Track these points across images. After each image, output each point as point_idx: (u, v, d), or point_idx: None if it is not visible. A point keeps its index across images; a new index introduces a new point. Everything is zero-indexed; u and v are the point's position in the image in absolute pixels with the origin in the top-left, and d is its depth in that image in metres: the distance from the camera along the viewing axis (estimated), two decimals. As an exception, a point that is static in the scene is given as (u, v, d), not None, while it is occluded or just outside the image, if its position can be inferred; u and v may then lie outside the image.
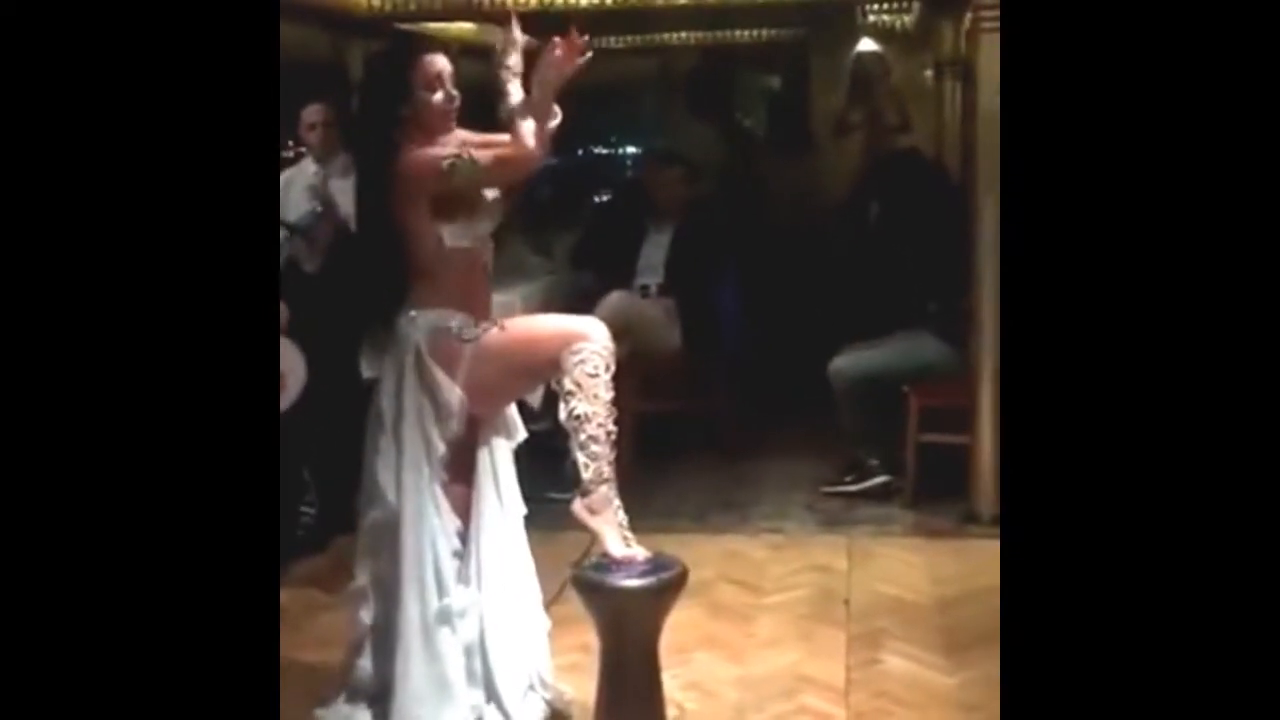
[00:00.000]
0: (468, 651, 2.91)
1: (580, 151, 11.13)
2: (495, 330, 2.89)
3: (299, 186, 4.77)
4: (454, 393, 2.84)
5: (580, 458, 2.80)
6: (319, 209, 4.61)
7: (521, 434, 3.11)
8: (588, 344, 2.80)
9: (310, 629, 3.67)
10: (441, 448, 2.87)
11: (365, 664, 2.96)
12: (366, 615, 2.95)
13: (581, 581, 2.77)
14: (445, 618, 2.87)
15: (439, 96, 2.85)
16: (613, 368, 2.83)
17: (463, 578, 2.92)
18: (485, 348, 2.86)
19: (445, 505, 2.90)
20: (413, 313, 2.86)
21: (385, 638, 2.92)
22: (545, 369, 2.88)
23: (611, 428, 2.82)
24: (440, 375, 2.83)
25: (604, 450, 2.80)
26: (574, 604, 2.93)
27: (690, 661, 3.38)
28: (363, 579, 2.96)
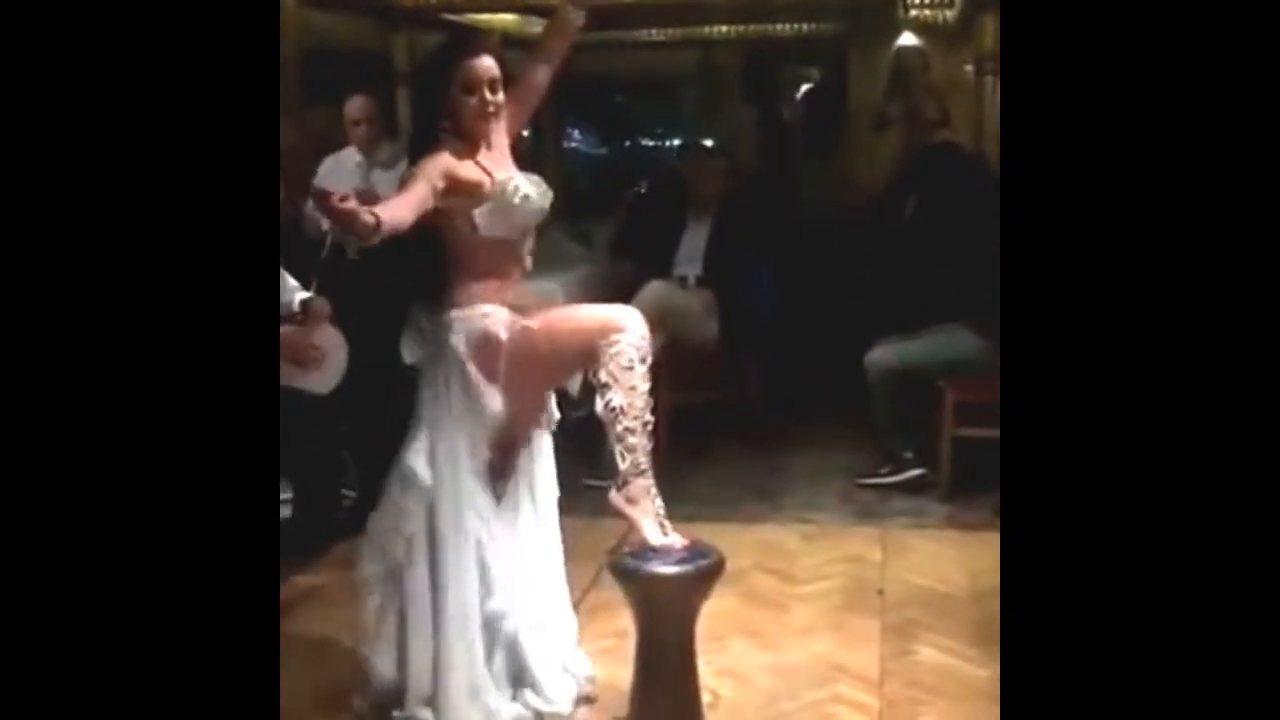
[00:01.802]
0: (506, 645, 2.97)
1: (622, 143, 11.19)
2: (531, 324, 2.92)
3: (342, 174, 4.82)
4: (495, 398, 2.88)
5: (617, 448, 2.82)
6: (361, 198, 4.66)
7: (554, 415, 3.14)
8: (623, 335, 2.82)
9: (348, 610, 3.71)
10: (485, 451, 2.92)
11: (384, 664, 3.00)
12: (374, 600, 2.99)
13: (619, 568, 2.79)
14: (492, 618, 2.94)
15: (474, 100, 2.88)
16: (649, 358, 2.85)
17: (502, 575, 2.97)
18: (522, 343, 2.89)
19: (486, 504, 2.94)
20: (451, 314, 2.90)
21: (413, 632, 2.95)
22: (582, 360, 2.91)
23: (649, 418, 2.84)
24: (479, 379, 2.87)
25: (641, 441, 2.82)
26: (611, 590, 2.97)
27: (725, 649, 3.41)
28: (374, 569, 3.00)
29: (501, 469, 3.00)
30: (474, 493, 2.91)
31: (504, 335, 2.88)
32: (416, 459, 2.92)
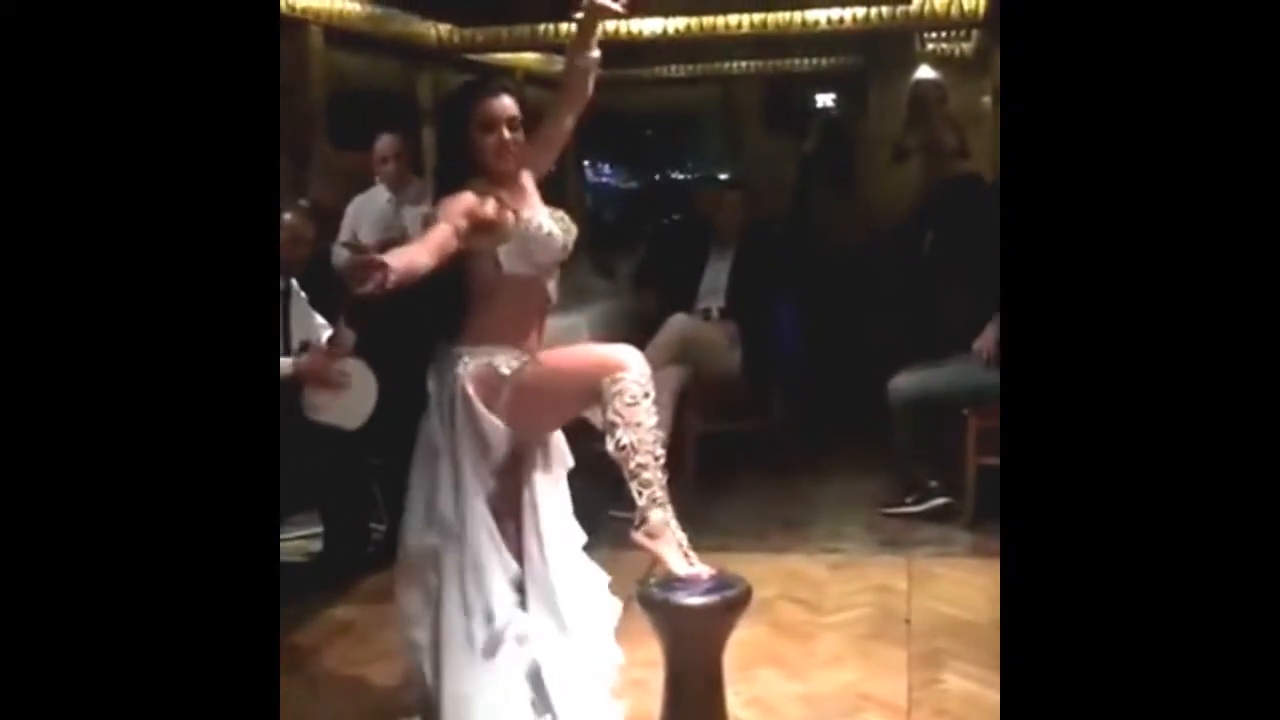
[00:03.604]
0: (531, 679, 2.94)
1: (652, 176, 11.29)
2: (533, 364, 2.94)
3: (371, 211, 4.90)
4: (497, 428, 2.89)
5: (632, 485, 2.82)
6: (391, 235, 4.74)
7: (569, 462, 3.16)
8: (625, 374, 2.84)
9: (379, 644, 3.75)
10: (491, 481, 2.93)
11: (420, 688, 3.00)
12: (421, 635, 2.97)
13: (646, 599, 2.81)
14: (498, 642, 2.90)
15: (492, 139, 2.91)
16: (652, 394, 2.86)
17: (521, 605, 2.97)
18: (524, 381, 2.91)
19: (498, 535, 2.94)
20: (460, 350, 2.93)
21: (436, 659, 2.94)
22: (584, 398, 2.93)
23: (660, 452, 2.84)
24: (482, 409, 2.89)
25: (655, 476, 2.83)
26: (639, 620, 2.99)
27: (753, 678, 3.42)
28: (412, 603, 3.00)
29: (508, 505, 3.00)
30: (482, 521, 2.92)
31: (507, 371, 2.91)
32: (440, 499, 2.94)
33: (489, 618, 2.90)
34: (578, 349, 3.16)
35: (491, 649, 2.89)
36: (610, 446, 2.84)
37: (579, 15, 3.01)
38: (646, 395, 2.84)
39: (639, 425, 2.81)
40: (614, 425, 2.82)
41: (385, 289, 2.55)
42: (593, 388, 2.87)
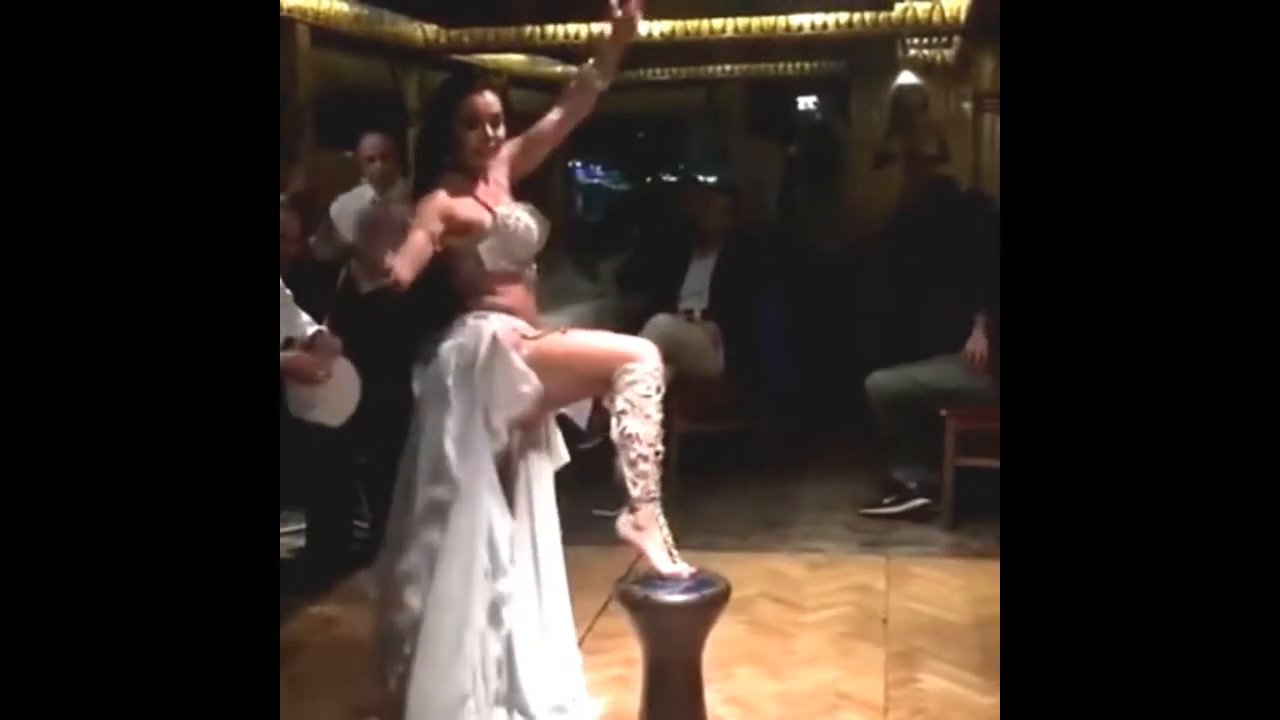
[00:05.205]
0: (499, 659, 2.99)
1: (628, 178, 11.31)
2: (558, 334, 3.01)
3: (356, 210, 4.90)
4: (527, 376, 2.91)
5: (629, 475, 2.87)
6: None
7: (564, 457, 3.20)
8: (641, 365, 2.89)
9: (362, 643, 3.76)
10: (505, 435, 2.95)
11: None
12: (415, 599, 2.96)
13: (627, 596, 2.84)
14: (501, 602, 2.94)
15: (475, 134, 2.95)
16: (663, 389, 2.91)
17: (513, 564, 3.00)
18: (544, 351, 2.95)
19: (499, 489, 2.96)
20: (485, 312, 2.97)
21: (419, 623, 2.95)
22: (596, 383, 2.97)
23: (660, 448, 2.89)
24: (518, 361, 2.91)
25: (652, 469, 2.87)
26: (619, 618, 3.02)
27: (732, 676, 3.45)
28: (415, 559, 2.98)
29: (506, 480, 3.03)
30: (487, 477, 2.94)
31: (531, 334, 2.96)
32: (449, 449, 2.94)
33: (490, 575, 2.92)
34: (599, 334, 3.20)
35: (487, 606, 2.92)
36: (615, 433, 2.88)
37: (607, 40, 3.06)
38: (659, 389, 2.89)
39: (648, 417, 2.86)
40: (623, 412, 2.86)
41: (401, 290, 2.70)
42: (603, 375, 2.91)
